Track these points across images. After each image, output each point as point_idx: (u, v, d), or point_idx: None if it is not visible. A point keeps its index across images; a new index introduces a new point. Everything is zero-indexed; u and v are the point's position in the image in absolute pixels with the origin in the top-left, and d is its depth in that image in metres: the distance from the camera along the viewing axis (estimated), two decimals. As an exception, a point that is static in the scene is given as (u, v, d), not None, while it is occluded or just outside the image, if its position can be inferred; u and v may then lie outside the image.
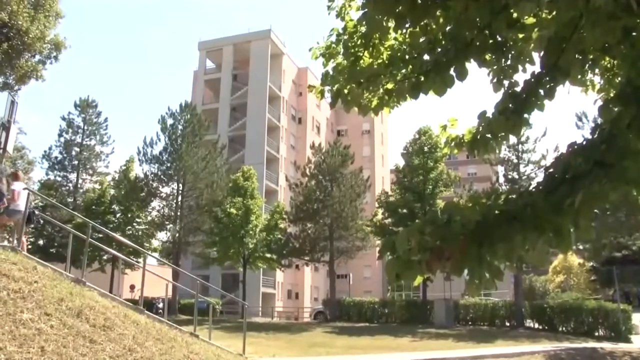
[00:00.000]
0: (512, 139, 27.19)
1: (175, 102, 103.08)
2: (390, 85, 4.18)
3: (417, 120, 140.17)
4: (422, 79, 3.85)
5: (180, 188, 35.42)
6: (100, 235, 22.17)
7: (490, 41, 3.65)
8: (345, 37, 4.47)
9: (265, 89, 53.57)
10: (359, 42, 4.35)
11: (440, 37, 3.80)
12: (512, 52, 3.82)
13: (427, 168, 32.95)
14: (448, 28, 3.73)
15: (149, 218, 37.05)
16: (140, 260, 24.62)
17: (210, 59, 58.97)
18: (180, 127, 35.93)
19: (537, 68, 3.69)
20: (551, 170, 3.03)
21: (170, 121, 35.98)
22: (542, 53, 3.57)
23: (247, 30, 56.63)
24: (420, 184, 32.75)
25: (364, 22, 3.96)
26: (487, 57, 3.75)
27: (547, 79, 3.52)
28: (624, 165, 2.66)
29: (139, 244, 31.10)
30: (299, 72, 61.28)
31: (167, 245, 37.69)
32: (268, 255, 34.88)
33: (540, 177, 29.89)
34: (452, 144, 4.42)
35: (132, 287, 38.21)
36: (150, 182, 35.52)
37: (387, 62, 4.15)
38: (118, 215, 36.91)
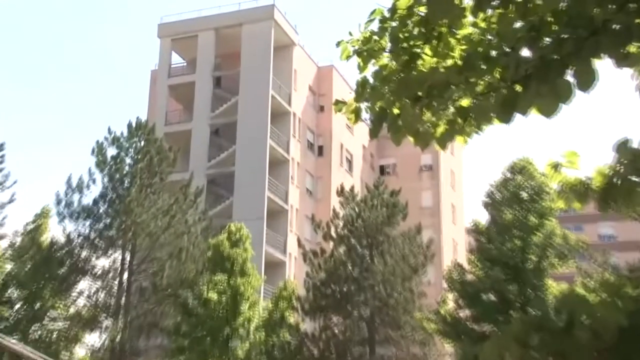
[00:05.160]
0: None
1: (121, 120, 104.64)
2: (465, 102, 4.18)
3: (506, 150, 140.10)
4: (519, 89, 3.84)
5: (127, 259, 35.61)
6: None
7: (637, 21, 3.63)
8: (394, 23, 4.49)
9: (267, 99, 53.91)
10: (415, 32, 4.37)
11: (550, 20, 3.80)
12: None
13: (528, 227, 32.62)
14: (562, 4, 3.72)
15: (72, 310, 36.90)
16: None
17: (179, 52, 59.90)
18: (128, 160, 36.47)
19: None
20: None
21: (112, 151, 36.53)
22: None
23: (236, 7, 56.91)
24: (517, 252, 32.39)
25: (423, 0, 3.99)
26: (633, 48, 3.73)
27: None
28: None
29: (53, 355, 31.01)
30: (319, 74, 61.79)
31: (102, 356, 37.42)
32: (269, 370, 34.66)
33: None
34: (571, 192, 4.38)
35: None
36: (77, 250, 35.77)
37: (460, 63, 4.16)
38: (17, 306, 36.91)
